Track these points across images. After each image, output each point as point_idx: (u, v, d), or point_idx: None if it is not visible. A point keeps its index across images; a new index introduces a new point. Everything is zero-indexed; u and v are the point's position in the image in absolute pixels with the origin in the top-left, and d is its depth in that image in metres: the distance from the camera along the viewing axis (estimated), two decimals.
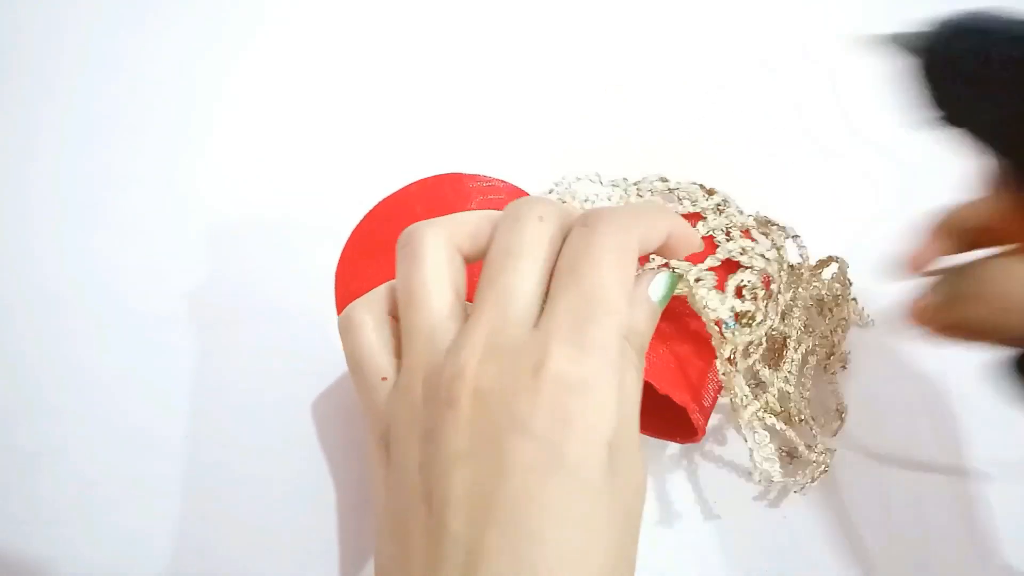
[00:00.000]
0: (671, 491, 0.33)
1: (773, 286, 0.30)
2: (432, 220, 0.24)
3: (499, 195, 0.37)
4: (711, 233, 0.31)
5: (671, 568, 0.31)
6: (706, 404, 0.30)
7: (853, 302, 0.35)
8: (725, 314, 0.28)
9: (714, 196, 0.32)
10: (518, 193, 0.37)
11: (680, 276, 0.25)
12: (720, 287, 0.29)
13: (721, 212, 0.32)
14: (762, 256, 0.30)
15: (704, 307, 0.27)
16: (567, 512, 0.20)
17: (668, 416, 0.30)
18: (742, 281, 0.29)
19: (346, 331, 0.25)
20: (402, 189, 0.37)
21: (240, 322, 0.35)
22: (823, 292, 0.34)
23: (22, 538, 0.31)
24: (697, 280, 0.27)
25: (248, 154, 0.40)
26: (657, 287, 0.24)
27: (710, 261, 0.30)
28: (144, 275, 0.36)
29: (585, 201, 0.34)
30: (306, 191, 0.39)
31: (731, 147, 0.42)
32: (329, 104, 0.42)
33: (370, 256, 0.36)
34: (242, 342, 0.35)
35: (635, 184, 0.34)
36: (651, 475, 0.33)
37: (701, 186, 0.33)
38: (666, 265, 0.26)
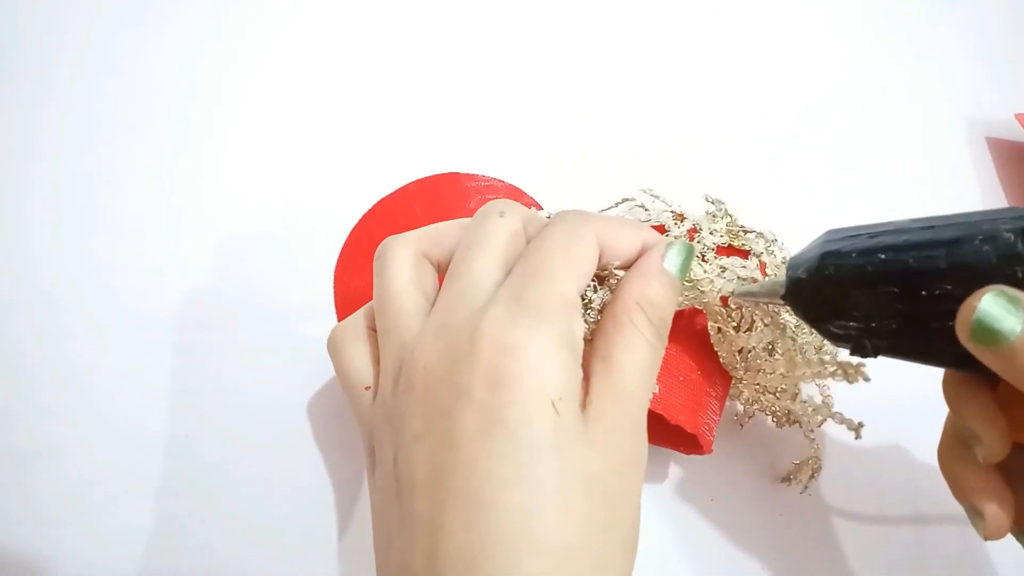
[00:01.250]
0: (669, 489, 0.33)
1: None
2: (402, 233, 0.26)
3: (497, 194, 0.37)
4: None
5: (668, 565, 0.31)
6: (712, 422, 0.30)
7: None
8: (721, 284, 0.28)
9: (684, 222, 0.32)
10: (516, 193, 0.37)
11: (692, 247, 0.25)
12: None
13: (691, 239, 0.32)
14: (743, 267, 0.30)
15: (710, 284, 0.27)
16: (514, 474, 0.19)
17: (673, 427, 0.30)
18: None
19: (333, 351, 0.26)
20: (401, 189, 0.37)
21: (239, 321, 0.35)
22: None
23: (21, 538, 0.31)
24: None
25: (247, 154, 0.40)
26: (673, 258, 0.24)
27: None
28: (143, 275, 0.36)
29: None
30: (305, 191, 0.39)
31: (730, 147, 0.42)
32: (329, 104, 0.42)
33: (369, 255, 0.35)
34: (241, 341, 0.35)
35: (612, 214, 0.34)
36: (648, 474, 0.33)
37: (672, 213, 0.33)
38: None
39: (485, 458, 0.19)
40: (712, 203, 0.32)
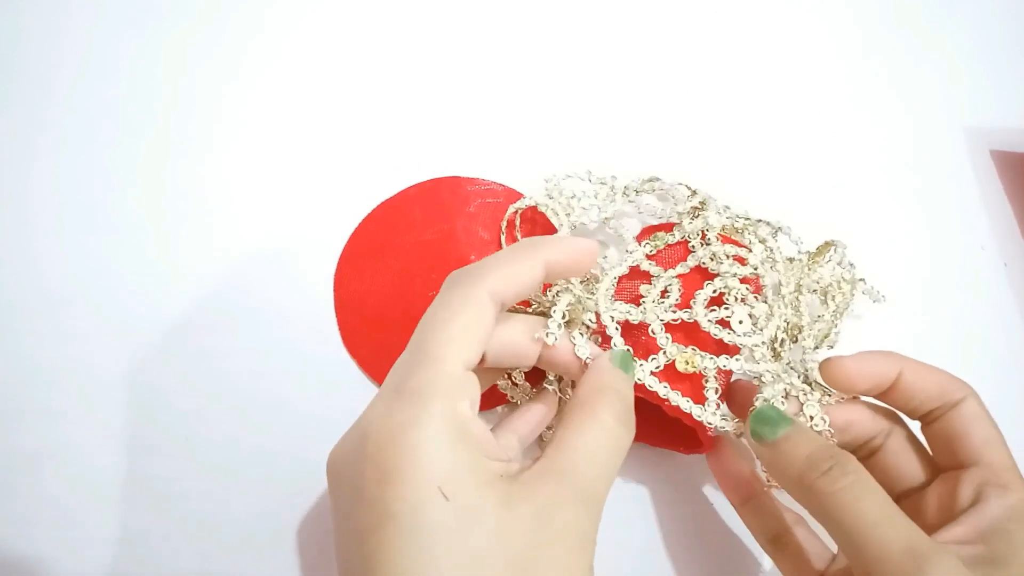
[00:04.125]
0: (668, 490, 0.33)
1: (765, 291, 0.30)
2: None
3: (497, 198, 0.37)
4: (685, 238, 0.31)
5: (668, 566, 0.31)
6: None
7: (861, 282, 0.35)
8: (709, 419, 0.28)
9: (696, 196, 0.32)
10: (516, 196, 0.37)
11: (627, 352, 0.26)
12: (688, 295, 0.29)
13: (698, 215, 0.32)
14: (737, 262, 0.30)
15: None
16: (409, 565, 0.19)
17: (671, 427, 0.30)
18: (716, 290, 0.29)
19: None
20: (400, 192, 0.37)
21: (239, 324, 0.36)
22: (827, 279, 0.33)
23: (22, 538, 0.31)
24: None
25: (248, 156, 0.40)
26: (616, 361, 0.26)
27: (680, 268, 0.30)
28: (144, 278, 0.37)
29: (572, 197, 0.35)
30: (306, 193, 0.39)
31: (731, 148, 0.42)
32: (329, 107, 0.42)
33: (368, 258, 0.36)
34: (241, 344, 0.35)
35: (624, 187, 0.34)
36: (651, 474, 0.33)
37: (687, 187, 0.33)
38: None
39: (381, 553, 0.20)
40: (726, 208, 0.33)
